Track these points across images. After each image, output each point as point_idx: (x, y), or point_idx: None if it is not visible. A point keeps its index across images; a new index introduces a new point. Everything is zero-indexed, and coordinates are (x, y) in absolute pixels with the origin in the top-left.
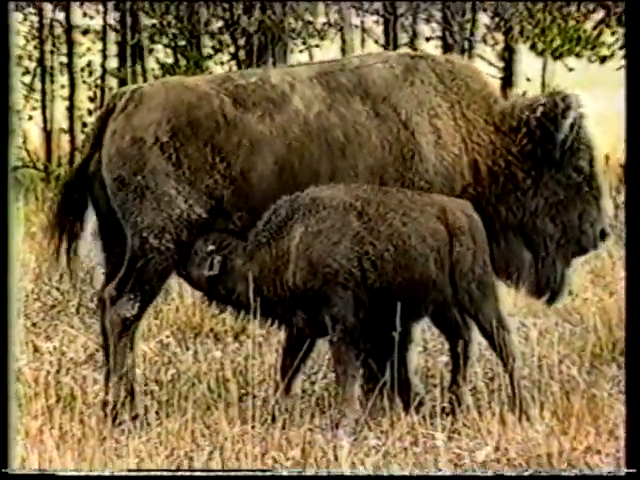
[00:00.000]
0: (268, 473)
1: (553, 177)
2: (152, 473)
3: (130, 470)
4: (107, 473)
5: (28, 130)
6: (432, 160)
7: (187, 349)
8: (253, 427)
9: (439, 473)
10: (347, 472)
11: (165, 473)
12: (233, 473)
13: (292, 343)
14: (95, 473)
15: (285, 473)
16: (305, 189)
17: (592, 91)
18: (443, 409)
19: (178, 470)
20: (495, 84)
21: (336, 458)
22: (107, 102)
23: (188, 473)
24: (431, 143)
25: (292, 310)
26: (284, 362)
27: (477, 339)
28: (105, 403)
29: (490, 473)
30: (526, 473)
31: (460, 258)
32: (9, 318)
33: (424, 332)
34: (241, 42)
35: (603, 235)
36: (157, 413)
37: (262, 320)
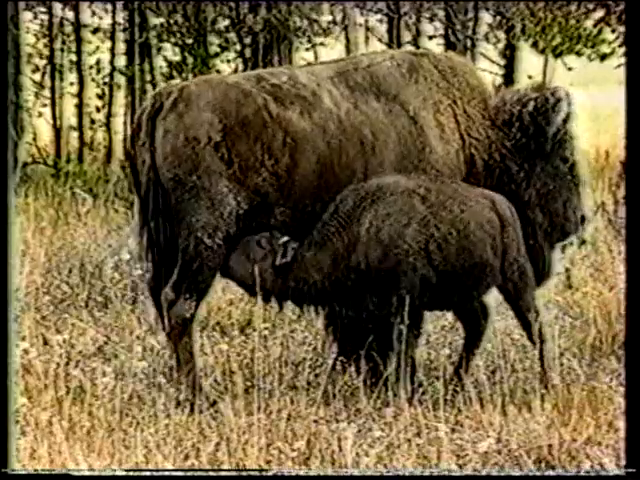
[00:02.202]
0: (271, 473)
1: (544, 168)
2: (154, 474)
3: (130, 470)
4: (107, 473)
5: (38, 127)
6: (440, 152)
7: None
8: (259, 419)
9: (443, 472)
10: (350, 463)
11: (147, 473)
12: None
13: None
14: (96, 473)
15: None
16: (342, 187)
17: (592, 88)
18: (446, 401)
19: (174, 470)
20: (487, 80)
21: (340, 449)
22: (152, 100)
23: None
24: (437, 136)
25: (362, 294)
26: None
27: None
28: (179, 402)
29: (494, 471)
30: (530, 473)
31: (507, 248)
32: (9, 323)
33: (426, 325)
34: (247, 40)
35: (583, 220)
36: (165, 405)
37: (331, 307)
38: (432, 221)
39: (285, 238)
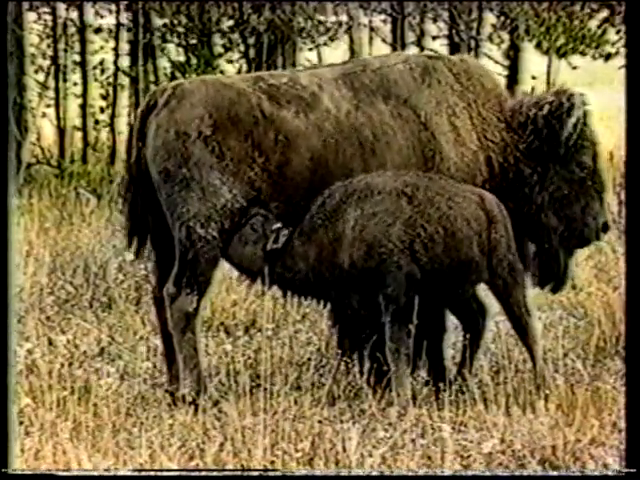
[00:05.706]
0: (276, 473)
1: (558, 172)
2: (159, 474)
3: (134, 470)
4: (106, 473)
5: (42, 127)
6: (453, 158)
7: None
8: (263, 419)
9: (447, 473)
10: (355, 463)
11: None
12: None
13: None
14: (95, 473)
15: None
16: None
17: (596, 88)
18: (450, 401)
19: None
20: (502, 83)
21: (345, 450)
22: (147, 99)
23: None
24: (451, 141)
25: (346, 292)
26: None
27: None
28: (183, 397)
29: (498, 472)
30: (534, 474)
31: (496, 245)
32: (9, 326)
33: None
34: (251, 41)
35: (605, 228)
36: (169, 405)
37: (317, 302)
38: (418, 221)
39: (278, 224)
